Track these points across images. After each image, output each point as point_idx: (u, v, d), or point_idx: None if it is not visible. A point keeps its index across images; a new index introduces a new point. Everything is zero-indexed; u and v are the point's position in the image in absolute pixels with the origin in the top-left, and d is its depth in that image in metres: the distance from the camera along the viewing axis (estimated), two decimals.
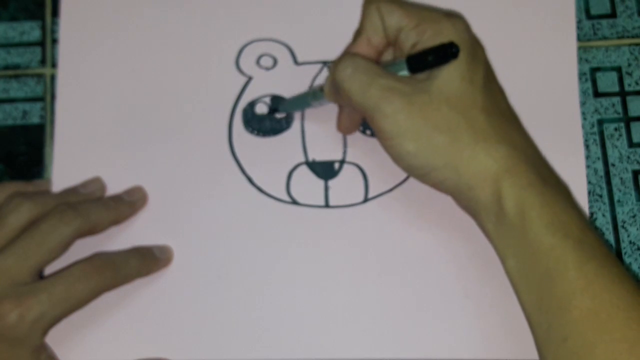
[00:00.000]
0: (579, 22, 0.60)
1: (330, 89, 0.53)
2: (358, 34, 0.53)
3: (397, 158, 0.51)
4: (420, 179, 0.51)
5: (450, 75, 0.49)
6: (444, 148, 0.49)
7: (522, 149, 0.50)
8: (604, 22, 0.60)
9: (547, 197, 0.48)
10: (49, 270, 0.52)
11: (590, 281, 0.46)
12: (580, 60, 0.59)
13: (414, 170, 0.51)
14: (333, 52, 0.58)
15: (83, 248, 0.53)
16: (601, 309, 0.45)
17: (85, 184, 0.57)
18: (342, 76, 0.50)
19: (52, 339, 0.51)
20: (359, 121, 0.56)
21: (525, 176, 0.48)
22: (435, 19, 0.51)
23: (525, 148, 0.50)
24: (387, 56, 0.54)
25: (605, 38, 0.60)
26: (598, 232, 0.56)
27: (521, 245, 0.48)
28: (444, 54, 0.48)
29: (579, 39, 0.59)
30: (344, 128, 0.57)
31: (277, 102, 0.58)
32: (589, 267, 0.46)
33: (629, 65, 0.60)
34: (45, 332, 0.50)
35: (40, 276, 0.52)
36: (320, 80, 0.59)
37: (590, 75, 0.59)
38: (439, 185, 0.51)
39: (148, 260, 0.55)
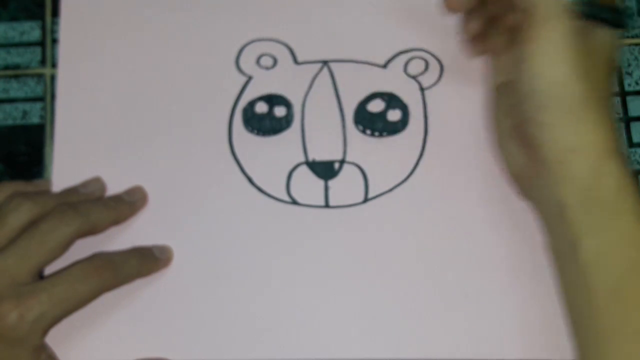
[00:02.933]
0: None
1: None
2: None
3: (532, 78, 0.48)
4: (531, 110, 0.49)
5: (612, 41, 0.49)
6: (578, 98, 0.47)
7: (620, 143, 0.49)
8: None
9: None
10: (49, 270, 0.52)
11: None
12: None
13: (535, 97, 0.48)
14: (333, 52, 0.59)
15: (83, 248, 0.53)
16: None
17: (85, 184, 0.57)
18: None
19: (52, 339, 0.51)
20: (472, 3, 0.53)
21: (625, 164, 0.48)
22: None
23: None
24: None
25: None
26: None
27: (609, 228, 0.46)
28: (617, 18, 0.49)
29: None
30: (472, 34, 0.54)
31: None
32: None
33: (629, 65, 0.60)
34: (45, 332, 0.50)
35: (40, 276, 0.52)
36: (321, 78, 0.59)
37: None
38: (541, 128, 0.49)
39: (148, 260, 0.55)
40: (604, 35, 0.49)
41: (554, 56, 0.47)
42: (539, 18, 0.47)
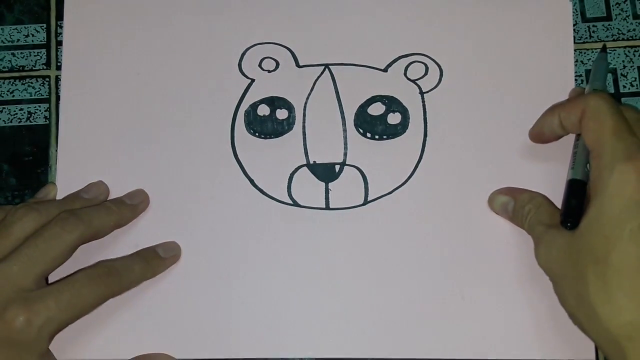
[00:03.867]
0: (574, 24, 0.60)
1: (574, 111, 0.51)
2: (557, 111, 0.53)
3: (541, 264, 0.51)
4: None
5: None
6: (580, 300, 0.47)
7: None
8: (600, 24, 0.61)
9: None
10: (53, 276, 0.53)
11: None
12: (576, 62, 0.60)
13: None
14: (334, 56, 0.59)
15: (87, 251, 0.54)
16: None
17: (87, 189, 0.57)
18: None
19: (55, 337, 0.51)
20: (550, 139, 0.56)
21: None
22: (607, 164, 0.47)
23: None
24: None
25: (600, 40, 0.61)
26: None
27: None
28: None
29: (574, 41, 0.60)
30: (537, 134, 0.56)
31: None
32: None
33: (624, 67, 0.60)
34: (51, 337, 0.50)
35: (44, 283, 0.52)
36: (322, 81, 0.59)
37: (586, 77, 0.60)
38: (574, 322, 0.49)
39: (152, 263, 0.55)
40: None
41: (606, 216, 0.46)
42: (602, 165, 0.47)
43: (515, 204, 0.54)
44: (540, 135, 0.56)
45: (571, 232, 0.48)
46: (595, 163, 0.49)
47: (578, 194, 0.50)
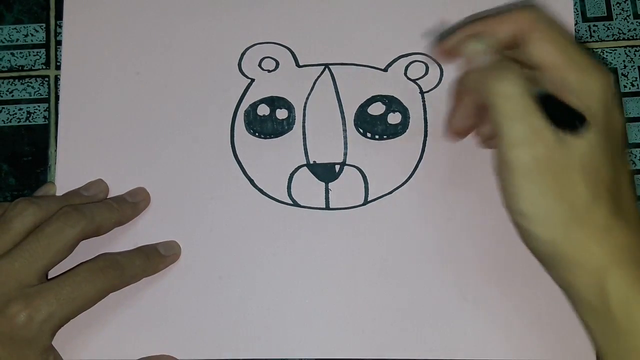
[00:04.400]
0: (575, 24, 0.60)
1: (467, 83, 0.50)
2: (500, 20, 0.49)
3: (507, 205, 0.47)
4: (520, 235, 0.48)
5: (591, 142, 0.45)
6: (557, 222, 0.45)
7: (635, 241, 0.45)
8: (600, 24, 0.61)
9: None
10: (53, 272, 0.53)
11: None
12: None
13: (517, 227, 0.47)
14: (334, 55, 0.59)
15: (87, 250, 0.54)
16: None
17: (87, 187, 0.57)
18: (504, 91, 0.45)
19: (57, 338, 0.51)
20: (472, 129, 0.55)
21: (635, 273, 0.44)
22: (582, 67, 0.47)
23: (636, 237, 0.46)
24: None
25: (601, 40, 0.61)
26: None
27: (628, 348, 0.43)
28: (571, 125, 0.45)
29: (575, 40, 0.60)
30: (456, 129, 0.55)
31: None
32: None
33: (625, 66, 0.60)
34: (53, 333, 0.50)
35: (45, 278, 0.52)
36: (322, 81, 0.59)
37: None
38: (535, 254, 0.48)
39: (153, 259, 0.55)
40: (585, 139, 0.45)
41: (519, 189, 0.45)
42: (505, 144, 0.45)
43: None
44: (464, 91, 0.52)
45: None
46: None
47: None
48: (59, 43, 0.62)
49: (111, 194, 0.58)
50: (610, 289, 0.44)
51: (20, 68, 0.61)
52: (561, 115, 0.46)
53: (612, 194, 0.46)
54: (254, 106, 0.59)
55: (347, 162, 0.58)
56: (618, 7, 0.61)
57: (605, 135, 0.46)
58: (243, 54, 0.60)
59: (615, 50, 0.61)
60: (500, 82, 0.46)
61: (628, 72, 0.60)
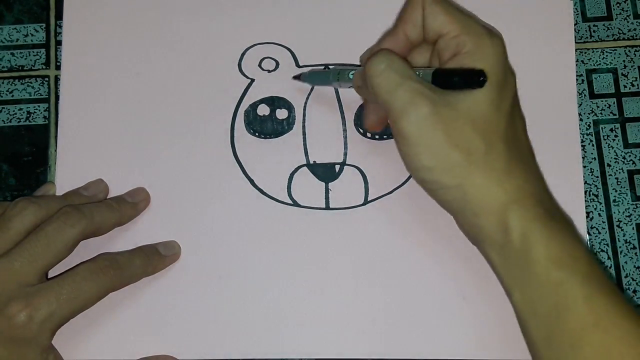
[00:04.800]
0: (575, 24, 0.60)
1: (359, 80, 0.53)
2: (396, 25, 0.53)
3: (411, 167, 0.50)
4: (428, 192, 0.51)
5: (480, 98, 0.49)
6: (458, 169, 0.48)
7: (532, 182, 0.49)
8: (600, 24, 0.61)
9: (554, 232, 0.47)
10: (53, 272, 0.53)
11: (600, 317, 0.45)
12: (577, 61, 0.60)
13: (424, 183, 0.50)
14: (334, 55, 0.59)
15: (88, 249, 0.54)
16: (613, 345, 0.45)
17: (87, 187, 0.57)
18: (374, 71, 0.49)
19: (57, 338, 0.51)
20: (386, 118, 0.56)
21: (532, 210, 0.48)
22: (478, 32, 0.50)
23: (535, 182, 0.50)
24: (420, 54, 0.54)
25: (601, 40, 0.61)
26: (603, 267, 0.57)
27: (528, 278, 0.47)
28: (471, 80, 0.48)
29: (575, 41, 0.60)
30: (370, 124, 0.56)
31: (300, 74, 0.59)
32: (598, 302, 0.46)
33: (625, 66, 0.60)
34: (53, 332, 0.50)
35: (45, 277, 0.52)
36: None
37: (586, 77, 0.60)
38: (444, 204, 0.51)
39: (153, 259, 0.55)
40: (470, 95, 0.49)
41: (416, 147, 0.48)
42: (393, 116, 0.49)
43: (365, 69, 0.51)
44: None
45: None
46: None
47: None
48: (59, 43, 0.62)
49: (111, 194, 0.58)
50: (512, 224, 0.47)
51: (20, 68, 0.61)
52: (457, 78, 0.49)
53: (507, 142, 0.49)
54: (254, 106, 0.59)
55: (347, 162, 0.58)
56: (618, 7, 0.61)
57: (498, 93, 0.49)
58: (243, 54, 0.60)
59: (615, 50, 0.61)
60: (370, 64, 0.50)
61: (628, 72, 0.60)
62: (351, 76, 0.54)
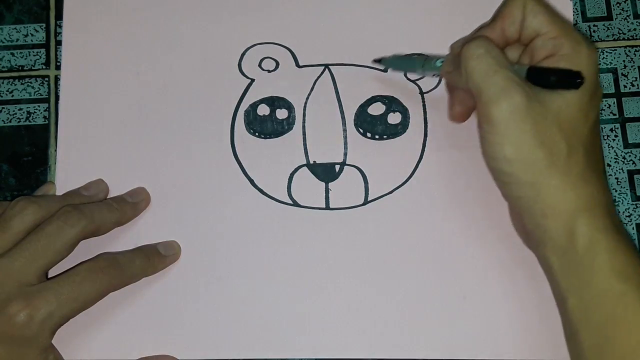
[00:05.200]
0: (575, 24, 0.61)
1: (450, 64, 0.53)
2: (494, 20, 0.53)
3: (491, 156, 0.50)
4: (500, 184, 0.51)
5: (571, 101, 0.48)
6: (538, 166, 0.48)
7: (603, 193, 0.49)
8: (600, 24, 0.61)
9: (620, 244, 0.47)
10: (53, 272, 0.53)
11: None
12: None
13: (499, 175, 0.50)
14: (334, 55, 0.59)
15: (88, 249, 0.54)
16: None
17: (87, 187, 0.57)
18: (472, 54, 0.49)
19: (57, 337, 0.51)
20: (472, 109, 0.56)
21: (602, 219, 0.48)
22: (576, 38, 0.50)
23: (605, 193, 0.50)
24: (512, 52, 0.54)
25: (601, 40, 0.61)
26: None
27: (588, 286, 0.47)
28: (569, 81, 0.48)
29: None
30: (456, 114, 0.56)
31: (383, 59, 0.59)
32: None
33: (625, 66, 0.60)
34: (53, 332, 0.50)
35: (45, 277, 0.52)
36: (322, 81, 0.59)
37: None
38: (514, 200, 0.50)
39: (153, 259, 0.55)
40: (562, 96, 0.49)
41: (501, 137, 0.48)
42: (484, 101, 0.48)
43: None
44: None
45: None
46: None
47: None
48: (59, 43, 0.62)
49: (111, 194, 0.58)
50: (579, 231, 0.47)
51: (20, 68, 0.61)
52: (555, 77, 0.48)
53: (586, 150, 0.49)
54: (254, 106, 0.59)
55: (347, 162, 0.58)
56: (618, 7, 0.61)
57: (588, 98, 0.49)
58: (243, 54, 0.60)
59: (615, 50, 0.61)
60: (468, 48, 0.49)
61: (628, 72, 0.60)
62: (439, 64, 0.54)
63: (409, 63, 0.57)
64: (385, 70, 0.59)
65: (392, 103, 0.59)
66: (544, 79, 0.49)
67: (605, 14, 0.61)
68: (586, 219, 0.48)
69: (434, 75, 0.55)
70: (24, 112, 0.61)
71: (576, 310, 0.48)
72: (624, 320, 0.46)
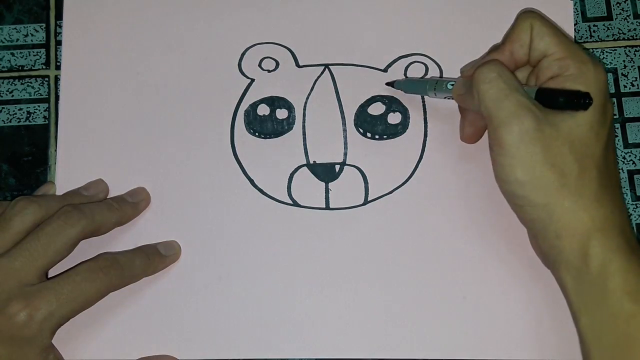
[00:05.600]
0: (575, 24, 0.61)
1: (461, 88, 0.53)
2: (503, 43, 0.54)
3: (503, 179, 0.50)
4: (514, 207, 0.51)
5: (581, 121, 0.49)
6: (550, 188, 0.48)
7: (618, 212, 0.50)
8: (600, 24, 0.61)
9: (634, 265, 0.48)
10: (53, 272, 0.53)
11: None
12: None
13: (512, 198, 0.50)
14: (334, 55, 0.59)
15: (88, 249, 0.54)
16: None
17: (87, 187, 0.57)
18: (485, 78, 0.50)
19: (57, 337, 0.51)
20: (483, 130, 0.56)
21: (615, 240, 0.48)
22: (582, 59, 0.50)
23: (620, 212, 0.50)
24: (520, 75, 0.54)
25: (601, 40, 0.61)
26: None
27: (600, 306, 0.48)
28: (577, 102, 0.48)
29: (575, 40, 0.60)
30: (467, 136, 0.57)
31: (396, 82, 0.59)
32: None
33: (625, 66, 0.60)
34: (53, 332, 0.50)
35: (45, 277, 0.52)
36: (322, 81, 0.59)
37: None
38: (528, 222, 0.51)
39: (153, 259, 0.55)
40: (572, 117, 0.49)
41: (512, 159, 0.49)
42: (495, 125, 0.49)
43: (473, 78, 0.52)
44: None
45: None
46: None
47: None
48: (59, 43, 0.62)
49: (111, 194, 0.58)
50: (593, 252, 0.48)
51: (20, 68, 0.61)
52: (563, 98, 0.49)
53: (599, 170, 0.50)
54: (254, 106, 0.59)
55: (347, 162, 0.58)
56: (618, 7, 0.61)
57: (598, 118, 0.50)
58: (243, 54, 0.60)
59: (615, 50, 0.61)
60: (480, 71, 0.50)
61: (628, 72, 0.60)
62: (450, 86, 0.55)
63: (421, 86, 0.57)
64: (385, 70, 0.59)
65: (392, 103, 0.59)
66: (553, 100, 0.49)
67: (605, 14, 0.61)
68: (599, 239, 0.48)
69: (445, 97, 0.56)
70: (24, 112, 0.61)
71: (588, 331, 0.48)
72: (635, 342, 0.46)
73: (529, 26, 0.52)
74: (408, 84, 0.58)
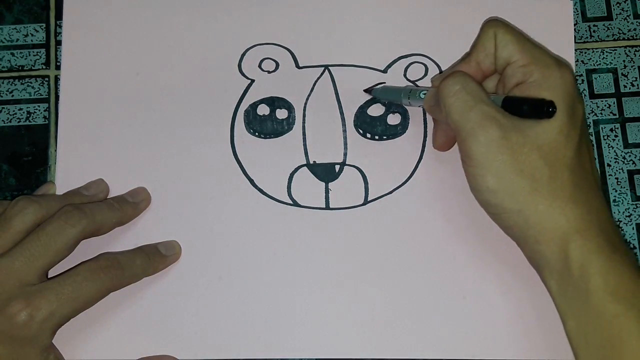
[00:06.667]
0: (575, 24, 0.61)
1: (431, 100, 0.54)
2: (469, 54, 0.54)
3: (475, 189, 0.51)
4: (491, 216, 0.52)
5: (549, 126, 0.49)
6: (522, 194, 0.49)
7: (596, 212, 0.50)
8: (600, 24, 0.61)
9: (614, 264, 0.48)
10: (53, 272, 0.53)
11: None
12: (577, 61, 0.60)
13: (488, 207, 0.51)
14: (334, 57, 0.59)
15: (88, 249, 0.54)
16: None
17: (88, 186, 0.57)
18: (449, 91, 0.50)
19: (58, 337, 0.51)
20: (454, 139, 0.56)
21: (595, 240, 0.48)
22: (546, 63, 0.51)
23: (599, 212, 0.50)
24: (491, 83, 0.55)
25: (601, 40, 0.61)
26: None
27: (584, 308, 0.48)
28: (540, 110, 0.48)
29: (575, 41, 0.60)
30: (439, 144, 0.57)
31: (373, 88, 0.59)
32: None
33: (625, 66, 0.60)
34: (53, 331, 0.50)
35: (46, 277, 0.52)
36: (322, 82, 0.59)
37: (586, 77, 0.60)
38: (506, 229, 0.51)
39: (154, 259, 0.55)
40: (539, 123, 0.49)
41: (482, 169, 0.49)
42: (463, 137, 0.50)
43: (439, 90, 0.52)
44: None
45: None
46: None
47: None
48: (59, 43, 0.62)
49: (111, 194, 0.58)
50: (572, 255, 0.48)
51: (20, 68, 0.61)
52: (528, 107, 0.49)
53: (572, 171, 0.50)
54: (254, 106, 0.59)
55: (347, 162, 0.58)
56: (618, 7, 0.61)
57: (567, 121, 0.50)
58: (243, 54, 0.60)
59: (615, 50, 0.61)
60: (444, 85, 0.51)
61: (628, 72, 0.60)
62: (422, 95, 0.55)
63: (396, 94, 0.57)
64: (384, 71, 0.59)
65: (391, 104, 0.59)
66: (518, 109, 0.50)
67: (605, 14, 0.61)
68: (578, 241, 0.48)
69: (419, 106, 0.56)
70: (24, 112, 0.61)
71: (575, 333, 0.49)
72: (620, 342, 0.47)
73: (493, 34, 0.52)
74: (384, 92, 0.58)
